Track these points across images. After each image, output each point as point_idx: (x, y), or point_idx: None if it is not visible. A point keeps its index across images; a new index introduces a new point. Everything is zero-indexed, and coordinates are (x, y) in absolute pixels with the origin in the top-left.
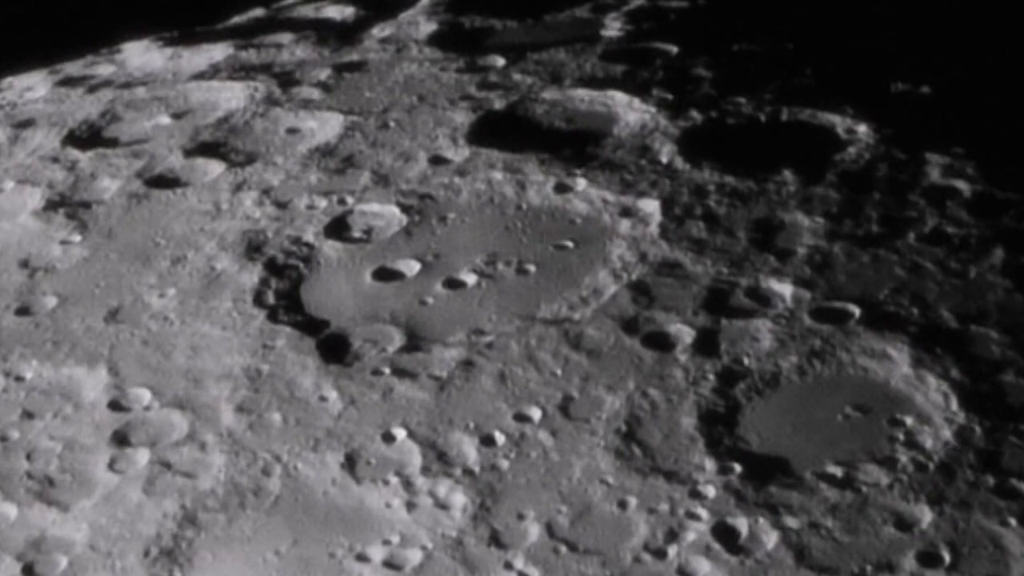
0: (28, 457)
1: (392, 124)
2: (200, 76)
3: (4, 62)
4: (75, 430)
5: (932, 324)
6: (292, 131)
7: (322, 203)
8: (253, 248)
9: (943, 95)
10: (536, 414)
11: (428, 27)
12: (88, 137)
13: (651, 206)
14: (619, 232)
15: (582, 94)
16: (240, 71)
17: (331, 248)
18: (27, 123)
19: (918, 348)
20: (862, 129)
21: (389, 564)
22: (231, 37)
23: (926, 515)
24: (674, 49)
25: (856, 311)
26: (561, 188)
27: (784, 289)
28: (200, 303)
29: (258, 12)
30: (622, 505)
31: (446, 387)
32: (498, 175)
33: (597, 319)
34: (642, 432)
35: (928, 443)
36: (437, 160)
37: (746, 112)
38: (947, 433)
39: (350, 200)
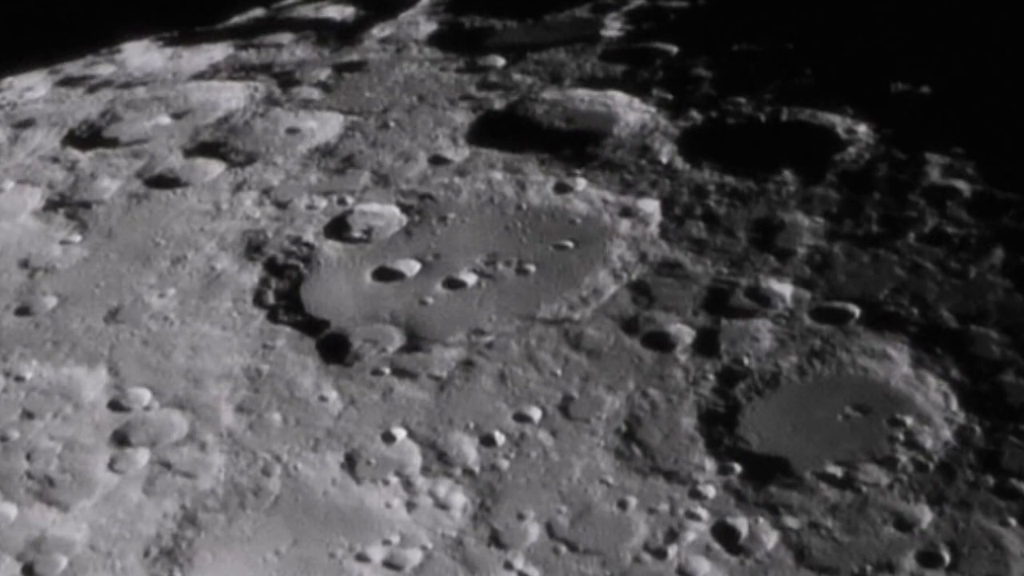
0: (28, 457)
1: (392, 124)
2: (200, 76)
3: (4, 62)
4: (75, 430)
5: (932, 324)
6: (292, 131)
7: (322, 203)
8: (253, 248)
9: (943, 95)
10: (536, 414)
11: (428, 27)
12: (88, 137)
13: (651, 206)
14: (619, 232)
15: (582, 94)
16: (240, 71)
17: (331, 248)
18: (27, 123)
19: (918, 348)
20: (862, 129)
21: (389, 564)
22: (231, 37)
23: (926, 515)
24: (674, 49)
25: (856, 311)
26: (561, 188)
27: (784, 289)
28: (200, 303)
29: (258, 12)
30: (622, 505)
31: (446, 387)
32: (498, 175)
33: (597, 319)
34: (642, 432)
35: (928, 443)
36: (437, 160)
37: (746, 112)
38: (947, 433)
39: (350, 200)
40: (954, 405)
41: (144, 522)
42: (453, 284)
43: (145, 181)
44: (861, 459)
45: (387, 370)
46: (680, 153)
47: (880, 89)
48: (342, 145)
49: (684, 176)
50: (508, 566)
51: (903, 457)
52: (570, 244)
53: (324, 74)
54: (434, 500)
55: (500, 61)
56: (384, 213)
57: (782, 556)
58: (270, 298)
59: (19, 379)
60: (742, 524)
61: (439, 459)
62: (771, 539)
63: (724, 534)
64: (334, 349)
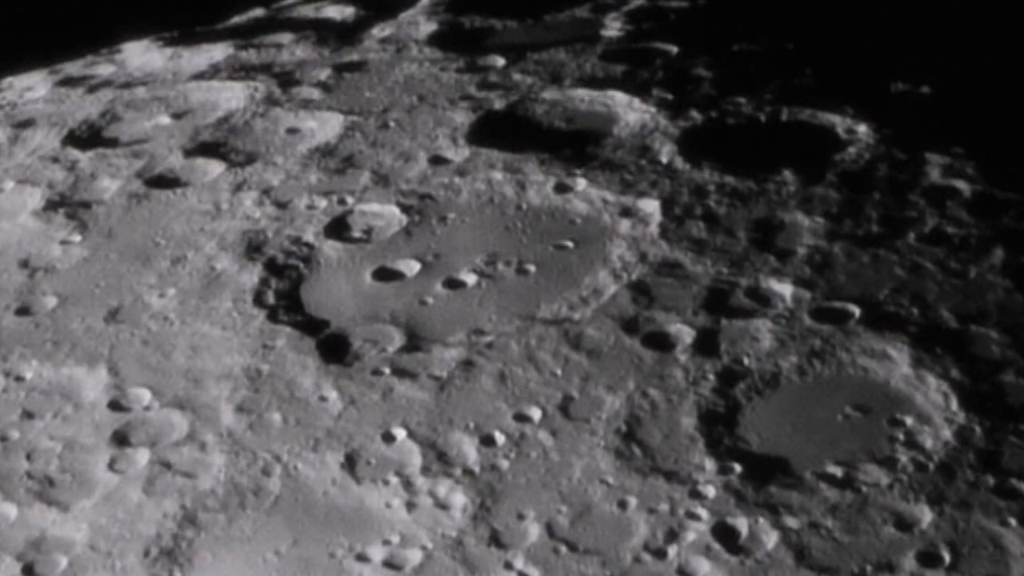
0: (28, 457)
1: (392, 124)
2: (200, 76)
3: (4, 62)
4: (75, 430)
5: (932, 324)
6: (292, 131)
7: (322, 203)
8: (253, 248)
9: (943, 95)
10: (536, 414)
11: (428, 27)
12: (88, 137)
13: (651, 206)
14: (619, 232)
15: (582, 94)
16: (240, 71)
17: (331, 248)
18: (27, 123)
19: (918, 348)
20: (862, 129)
21: (389, 564)
22: (231, 37)
23: (926, 515)
24: (674, 49)
25: (856, 311)
26: (561, 188)
27: (784, 289)
28: (200, 303)
29: (258, 12)
30: (622, 505)
31: (446, 387)
32: (498, 175)
33: (597, 319)
34: (642, 432)
35: (928, 443)
36: (437, 160)
37: (746, 112)
38: (947, 433)
39: (350, 200)
40: (954, 405)
41: (144, 522)
42: (453, 284)
43: (145, 181)
44: (861, 459)
45: (387, 370)
46: (680, 153)
47: (880, 89)
48: (342, 145)
49: (684, 176)
50: (508, 566)
51: (903, 457)
52: (570, 244)
53: (324, 74)
54: (434, 500)
55: (500, 61)
56: (384, 213)
57: (782, 556)
58: (270, 298)
59: (19, 379)
60: (742, 524)
61: (439, 459)
62: (771, 539)
63: (724, 534)
64: (334, 349)
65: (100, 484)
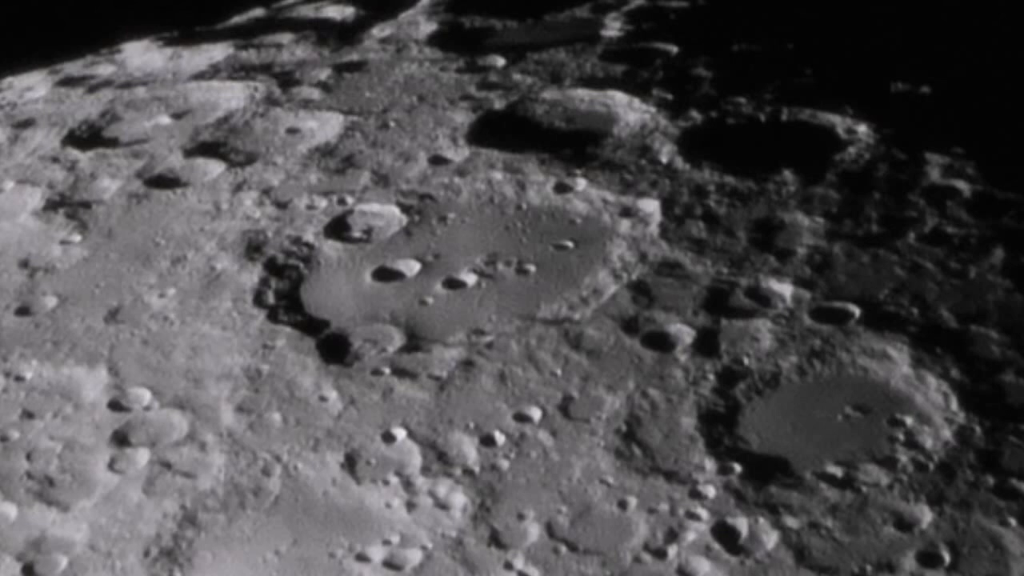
0: (28, 457)
1: (392, 124)
2: (200, 76)
3: (4, 62)
4: (75, 430)
5: (932, 324)
6: (292, 131)
7: (322, 203)
8: (253, 248)
9: (943, 95)
10: (536, 414)
11: (428, 27)
12: (88, 137)
13: (651, 206)
14: (619, 232)
15: (582, 94)
16: (240, 71)
17: (331, 248)
18: (27, 123)
19: (918, 348)
20: (862, 129)
21: (389, 564)
22: (231, 37)
23: (926, 515)
24: (674, 49)
25: (856, 311)
26: (561, 188)
27: (784, 289)
28: (200, 303)
29: (258, 12)
30: (622, 505)
31: (446, 387)
32: (498, 175)
33: (597, 319)
34: (642, 432)
35: (928, 443)
36: (437, 160)
37: (746, 112)
38: (947, 433)
39: (350, 200)
40: (954, 405)
41: (144, 522)
42: (453, 284)
43: (145, 181)
44: (861, 459)
45: (387, 370)
46: (680, 153)
47: (880, 89)
48: (342, 145)
49: (684, 176)
50: (508, 566)
51: (903, 457)
52: (570, 244)
53: (324, 74)
54: (434, 500)
55: (500, 61)
56: (384, 213)
57: (782, 556)
58: (270, 298)
59: (19, 379)
60: (742, 524)
61: (439, 459)
62: (771, 539)
63: (724, 534)
64: (334, 349)
65: (100, 484)
